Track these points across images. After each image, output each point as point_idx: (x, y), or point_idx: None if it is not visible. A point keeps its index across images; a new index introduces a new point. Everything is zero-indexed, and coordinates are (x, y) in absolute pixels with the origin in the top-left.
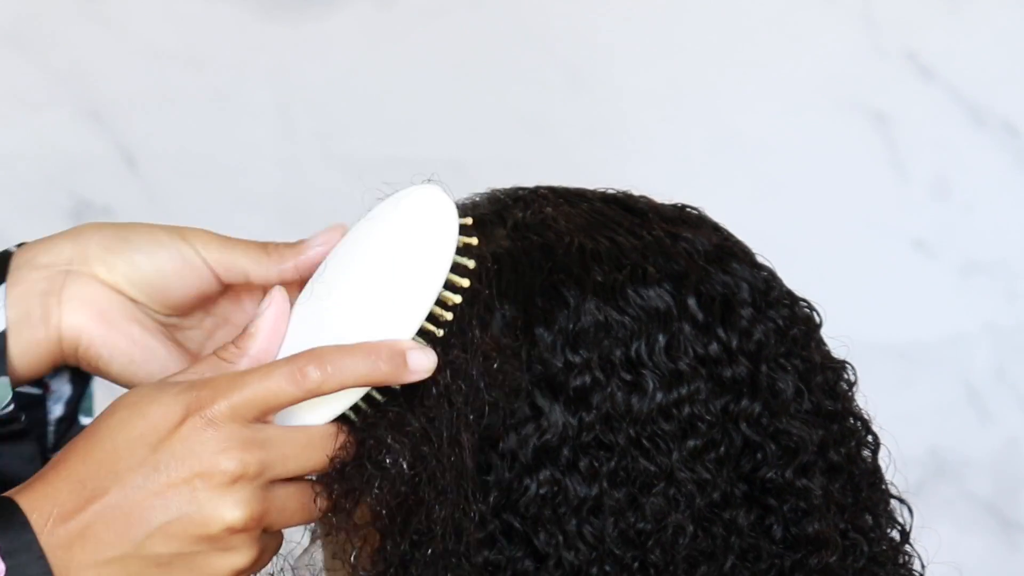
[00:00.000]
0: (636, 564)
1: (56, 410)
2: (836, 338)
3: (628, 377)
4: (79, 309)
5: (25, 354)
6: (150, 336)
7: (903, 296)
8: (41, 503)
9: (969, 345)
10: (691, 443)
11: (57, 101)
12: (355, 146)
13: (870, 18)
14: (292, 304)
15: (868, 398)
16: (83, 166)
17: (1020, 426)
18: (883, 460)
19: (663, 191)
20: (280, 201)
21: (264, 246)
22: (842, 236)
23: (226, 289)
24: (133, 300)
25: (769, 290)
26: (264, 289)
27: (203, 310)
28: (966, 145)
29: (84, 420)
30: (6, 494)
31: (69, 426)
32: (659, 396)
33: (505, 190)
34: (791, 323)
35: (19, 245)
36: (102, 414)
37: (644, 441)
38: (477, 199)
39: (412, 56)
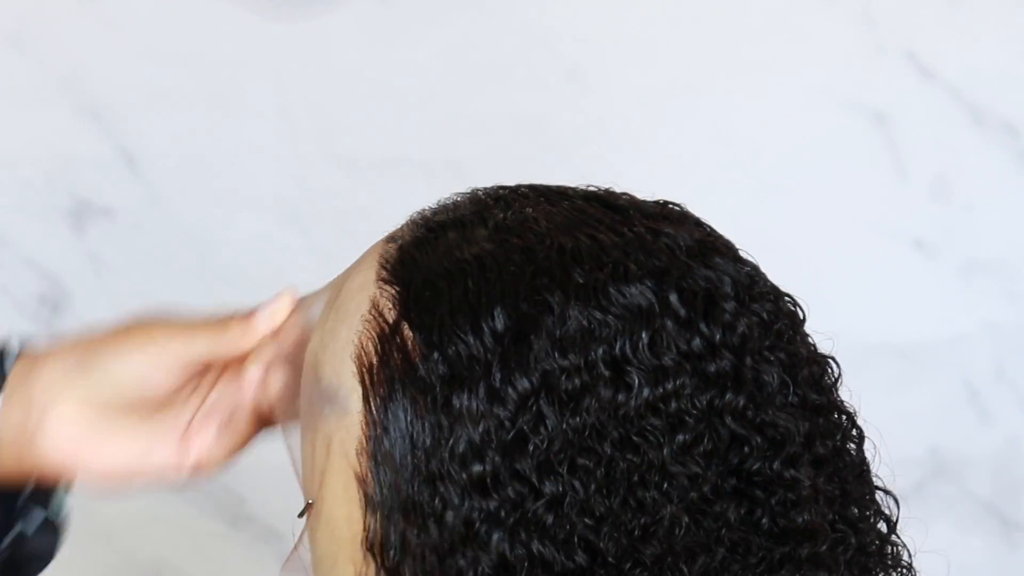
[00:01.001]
0: (631, 562)
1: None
2: (821, 334)
3: (615, 376)
4: (56, 448)
5: (10, 477)
6: (139, 433)
7: (903, 296)
8: None
9: (969, 345)
10: (680, 438)
11: (57, 101)
12: (355, 146)
13: (870, 18)
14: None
15: (868, 398)
16: (83, 166)
17: (1020, 426)
18: (869, 453)
19: (663, 191)
20: (280, 201)
21: (223, 326)
22: (842, 236)
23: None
24: (116, 411)
25: (752, 284)
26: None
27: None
28: (966, 145)
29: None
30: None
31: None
32: (646, 392)
33: (486, 189)
34: (775, 317)
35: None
36: None
37: (634, 438)
38: (459, 199)
39: (413, 55)
